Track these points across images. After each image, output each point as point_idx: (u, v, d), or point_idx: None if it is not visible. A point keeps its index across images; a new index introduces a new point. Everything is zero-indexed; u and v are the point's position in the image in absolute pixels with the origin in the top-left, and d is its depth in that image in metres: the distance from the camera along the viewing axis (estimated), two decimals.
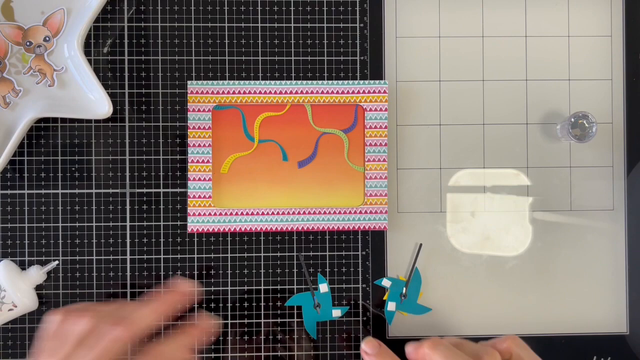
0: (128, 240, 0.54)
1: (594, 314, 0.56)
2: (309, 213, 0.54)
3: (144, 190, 0.54)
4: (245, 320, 0.54)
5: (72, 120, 0.54)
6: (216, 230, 0.53)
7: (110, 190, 0.54)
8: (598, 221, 0.56)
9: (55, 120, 0.54)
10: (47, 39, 0.52)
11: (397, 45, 0.55)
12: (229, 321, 0.54)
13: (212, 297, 0.54)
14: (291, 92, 0.54)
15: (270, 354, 0.54)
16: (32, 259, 0.54)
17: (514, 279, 0.55)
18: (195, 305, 0.54)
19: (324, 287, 0.54)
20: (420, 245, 0.55)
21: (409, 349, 0.48)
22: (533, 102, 0.56)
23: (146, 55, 0.54)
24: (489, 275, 0.55)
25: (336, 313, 0.54)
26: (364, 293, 0.55)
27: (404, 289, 0.55)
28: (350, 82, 0.54)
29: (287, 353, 0.54)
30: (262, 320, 0.54)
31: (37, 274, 0.52)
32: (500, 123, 0.56)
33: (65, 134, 0.54)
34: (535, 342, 0.55)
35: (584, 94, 0.56)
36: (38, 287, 0.54)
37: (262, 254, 0.54)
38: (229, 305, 0.54)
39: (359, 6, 0.55)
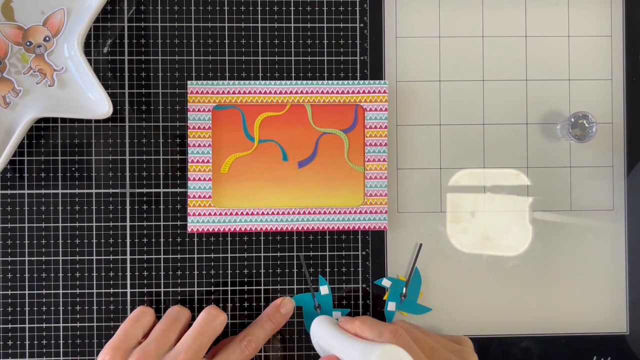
0: (128, 240, 0.54)
1: (594, 314, 0.56)
2: (309, 213, 0.54)
3: (144, 190, 0.54)
4: (246, 320, 0.54)
5: (72, 120, 0.54)
6: (216, 230, 0.53)
7: (110, 190, 0.54)
8: (598, 221, 0.56)
9: (55, 120, 0.54)
10: (47, 39, 0.52)
11: (397, 45, 0.55)
12: (229, 321, 0.54)
13: (212, 297, 0.54)
14: (291, 92, 0.54)
15: (271, 354, 0.54)
16: (32, 258, 0.54)
17: (514, 279, 0.55)
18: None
19: (324, 289, 0.54)
20: (420, 245, 0.55)
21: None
22: (533, 102, 0.56)
23: (146, 55, 0.54)
24: (489, 275, 0.55)
25: (337, 315, 0.54)
26: (364, 293, 0.55)
27: (404, 289, 0.55)
28: (350, 82, 0.54)
29: (287, 353, 0.54)
30: None
31: None
32: (500, 123, 0.56)
33: (65, 134, 0.54)
34: (535, 342, 0.55)
35: (584, 94, 0.56)
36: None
37: (262, 254, 0.54)
38: (229, 305, 0.54)
39: (359, 6, 0.55)
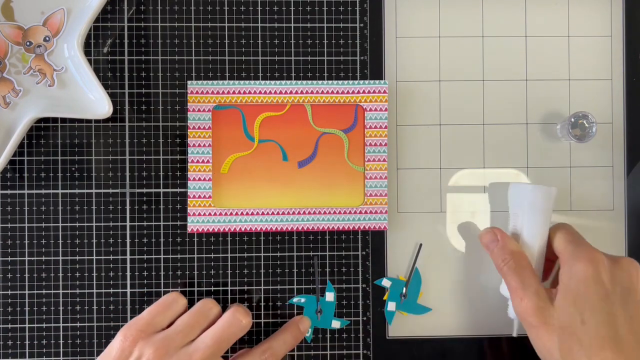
0: (128, 240, 0.54)
1: None
2: (309, 213, 0.54)
3: (144, 190, 0.54)
4: None
5: (72, 120, 0.54)
6: (216, 230, 0.53)
7: (110, 190, 0.54)
8: (598, 221, 0.56)
9: (55, 120, 0.54)
10: (47, 39, 0.52)
11: (397, 45, 0.55)
12: None
13: (212, 297, 0.54)
14: (291, 92, 0.54)
15: None
16: (32, 258, 0.54)
17: None
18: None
19: (330, 296, 0.54)
20: (420, 245, 0.55)
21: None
22: (533, 102, 0.56)
23: (146, 55, 0.54)
24: (489, 275, 0.55)
25: (335, 324, 0.54)
26: (364, 293, 0.55)
27: (404, 289, 0.55)
28: (350, 82, 0.54)
29: (288, 353, 0.54)
30: (262, 320, 0.54)
31: None
32: (500, 123, 0.56)
33: (65, 134, 0.54)
34: None
35: (584, 94, 0.56)
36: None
37: (262, 254, 0.54)
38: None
39: (359, 6, 0.55)
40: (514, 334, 0.52)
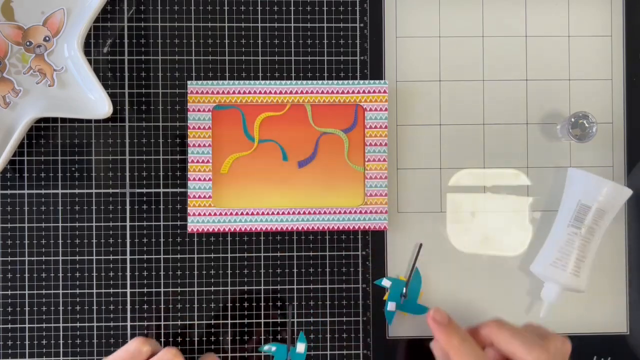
0: (128, 240, 0.54)
1: (594, 314, 0.56)
2: (309, 213, 0.53)
3: (144, 190, 0.54)
4: (245, 320, 0.54)
5: (72, 120, 0.54)
6: (216, 230, 0.53)
7: (110, 190, 0.54)
8: None
9: (55, 120, 0.54)
10: (47, 39, 0.52)
11: (397, 45, 0.55)
12: (229, 321, 0.54)
13: (212, 297, 0.54)
14: (291, 92, 0.54)
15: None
16: (32, 259, 0.54)
17: (514, 279, 0.55)
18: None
19: (301, 347, 0.54)
20: (420, 245, 0.55)
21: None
22: (533, 102, 0.56)
23: (146, 55, 0.54)
24: (489, 275, 0.55)
25: None
26: (364, 293, 0.55)
27: (404, 289, 0.55)
28: (350, 82, 0.54)
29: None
30: (262, 320, 0.54)
31: None
32: (500, 123, 0.56)
33: (65, 134, 0.54)
34: None
35: (584, 94, 0.56)
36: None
37: (262, 254, 0.54)
38: (229, 305, 0.54)
39: (359, 6, 0.55)
40: (542, 315, 0.54)
